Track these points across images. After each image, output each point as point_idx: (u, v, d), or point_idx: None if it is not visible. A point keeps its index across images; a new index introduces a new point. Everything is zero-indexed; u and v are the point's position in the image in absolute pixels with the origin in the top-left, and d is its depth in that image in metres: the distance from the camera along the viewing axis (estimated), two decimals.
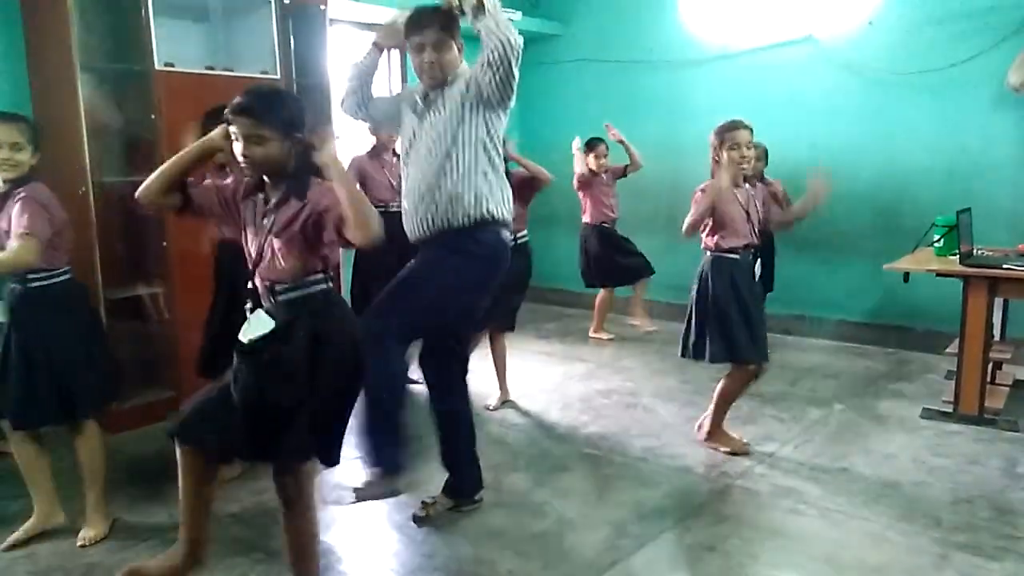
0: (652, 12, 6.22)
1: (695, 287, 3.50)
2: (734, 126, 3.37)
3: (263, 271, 2.21)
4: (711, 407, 3.64)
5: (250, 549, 2.80)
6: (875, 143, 5.33)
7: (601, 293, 5.76)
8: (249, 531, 2.93)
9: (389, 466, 2.75)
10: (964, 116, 4.99)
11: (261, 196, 2.24)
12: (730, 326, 3.40)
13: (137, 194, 2.20)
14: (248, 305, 2.21)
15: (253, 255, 2.22)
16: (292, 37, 4.53)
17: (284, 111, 2.16)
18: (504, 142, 3.06)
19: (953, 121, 5.04)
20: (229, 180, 2.35)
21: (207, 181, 2.38)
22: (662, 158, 5.88)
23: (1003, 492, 3.14)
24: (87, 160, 3.75)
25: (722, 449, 3.61)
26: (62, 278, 2.76)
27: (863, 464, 3.46)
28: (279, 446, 2.18)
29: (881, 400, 4.32)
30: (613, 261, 5.58)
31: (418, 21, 2.75)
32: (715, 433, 3.65)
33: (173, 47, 4.08)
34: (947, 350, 4.31)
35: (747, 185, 3.51)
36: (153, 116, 3.95)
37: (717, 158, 3.42)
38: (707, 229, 3.46)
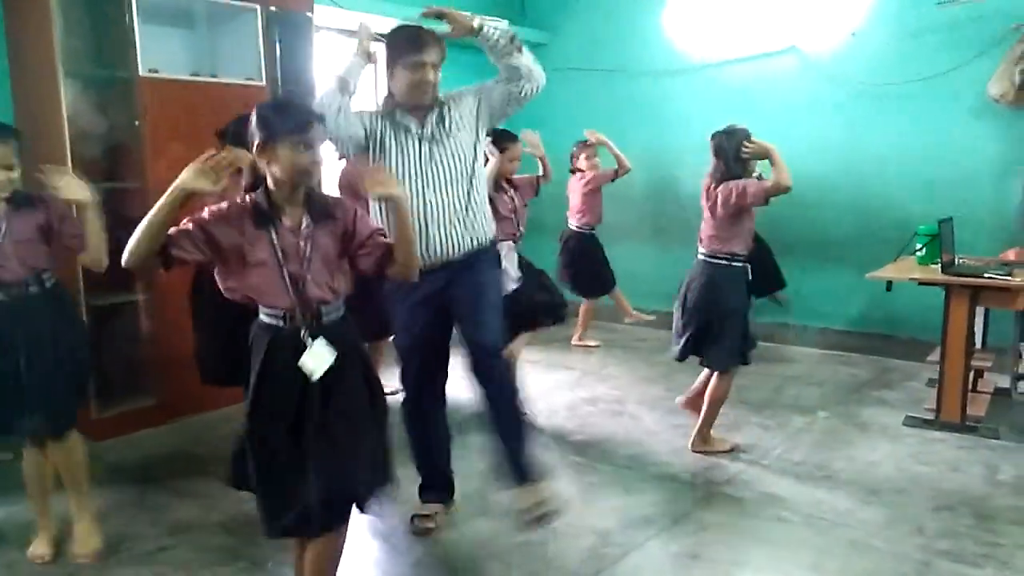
0: (639, 22, 6.25)
1: (701, 294, 3.48)
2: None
3: (310, 295, 2.05)
4: (703, 413, 3.66)
5: (234, 558, 2.78)
6: (858, 153, 5.38)
7: (585, 301, 5.77)
8: (233, 539, 2.91)
9: (538, 472, 2.84)
10: (946, 127, 5.05)
11: (283, 221, 2.03)
12: (741, 334, 3.49)
13: (124, 261, 1.95)
14: (301, 333, 2.03)
15: (288, 283, 2.02)
16: (278, 44, 4.52)
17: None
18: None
19: (935, 131, 5.09)
20: (218, 207, 2.04)
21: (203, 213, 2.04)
22: (648, 167, 5.90)
23: (985, 500, 3.17)
24: (70, 166, 3.71)
25: (718, 450, 3.66)
26: (53, 281, 2.73)
27: (847, 471, 3.48)
28: (358, 485, 2.09)
29: (864, 408, 4.35)
30: (606, 267, 5.61)
31: (419, 40, 2.72)
32: (708, 437, 3.69)
33: (158, 53, 4.07)
34: (929, 358, 4.35)
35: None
36: (137, 122, 3.93)
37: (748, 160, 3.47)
38: (719, 235, 3.46)
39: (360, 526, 3.03)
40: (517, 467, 2.81)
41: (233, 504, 3.16)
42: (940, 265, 3.95)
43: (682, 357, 3.62)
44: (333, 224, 2.09)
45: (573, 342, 5.80)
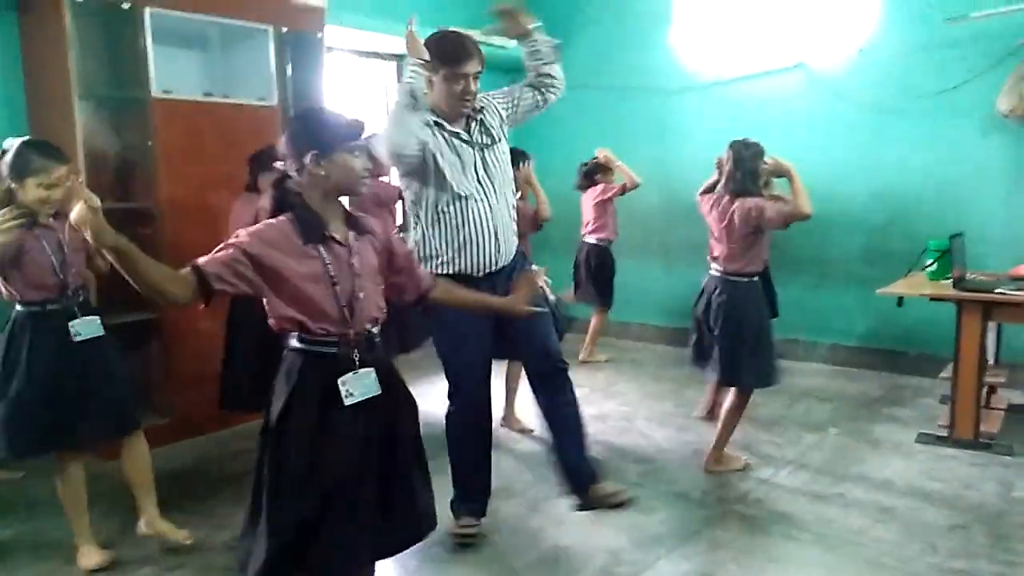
0: (646, 39, 6.28)
1: (729, 314, 3.46)
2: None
3: (364, 315, 1.97)
4: (718, 433, 3.65)
5: None
6: (867, 169, 5.38)
7: (597, 315, 5.76)
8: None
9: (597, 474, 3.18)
10: (955, 142, 5.04)
11: (332, 234, 1.94)
12: (772, 351, 3.51)
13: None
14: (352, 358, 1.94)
15: (335, 309, 1.91)
16: (289, 64, 4.57)
17: None
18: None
19: (944, 147, 5.08)
20: (256, 229, 1.91)
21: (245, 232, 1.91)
22: (655, 184, 5.91)
23: (1000, 517, 3.14)
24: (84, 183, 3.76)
25: (732, 468, 3.66)
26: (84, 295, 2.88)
27: (859, 489, 3.45)
28: (411, 516, 2.04)
29: (876, 424, 4.32)
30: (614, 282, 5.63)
31: (463, 50, 2.72)
32: (722, 457, 3.68)
33: (171, 74, 4.12)
34: (941, 375, 4.32)
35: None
36: (150, 143, 3.97)
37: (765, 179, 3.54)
38: (737, 254, 3.46)
39: None
40: (589, 469, 3.14)
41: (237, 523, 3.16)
42: (951, 280, 3.93)
43: (727, 381, 3.56)
44: (373, 239, 2.05)
45: (581, 358, 5.78)
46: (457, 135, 2.80)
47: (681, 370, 5.32)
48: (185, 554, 2.96)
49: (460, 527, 2.99)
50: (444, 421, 3.05)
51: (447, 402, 3.03)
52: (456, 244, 2.82)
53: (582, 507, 3.18)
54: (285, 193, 1.96)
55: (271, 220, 1.94)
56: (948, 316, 3.95)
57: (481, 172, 2.83)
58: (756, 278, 3.51)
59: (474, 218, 2.80)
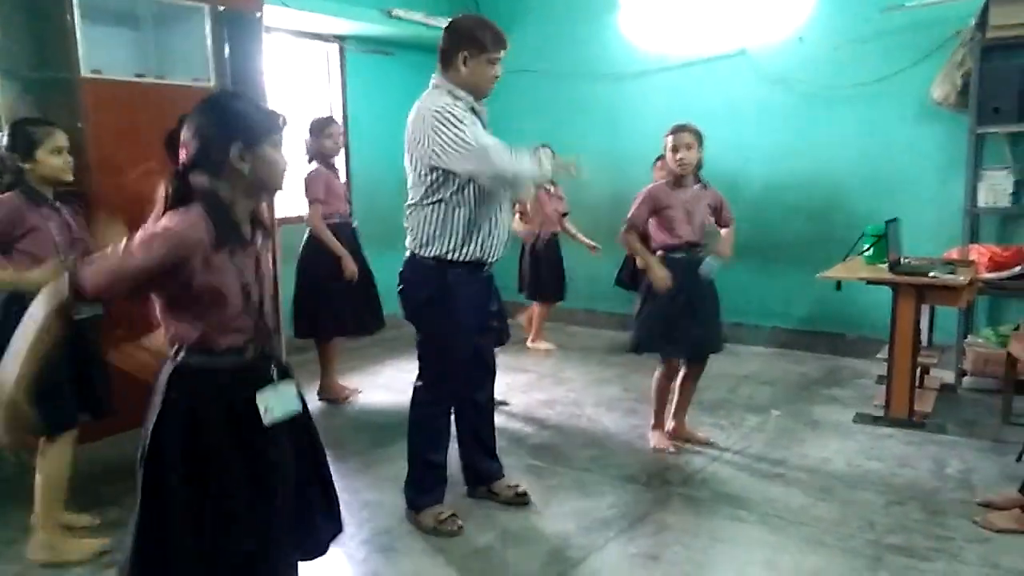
0: (592, 24, 6.28)
1: (646, 283, 3.60)
2: (674, 129, 3.52)
3: (267, 323, 1.84)
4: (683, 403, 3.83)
5: None
6: (806, 154, 5.48)
7: (544, 304, 5.76)
8: None
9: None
10: (890, 129, 5.17)
11: (242, 236, 1.78)
12: (661, 321, 3.54)
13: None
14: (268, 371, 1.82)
15: (252, 307, 1.78)
16: (226, 44, 4.43)
17: None
18: None
19: (880, 133, 5.21)
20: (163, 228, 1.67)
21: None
22: (603, 168, 5.91)
23: (934, 494, 3.24)
24: None
25: (651, 442, 3.78)
26: None
27: (800, 469, 3.53)
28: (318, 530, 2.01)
29: (816, 405, 4.43)
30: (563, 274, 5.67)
31: (500, 37, 2.80)
32: (655, 427, 3.81)
33: (101, 54, 3.94)
34: (877, 356, 4.44)
35: (696, 186, 3.57)
36: (80, 124, 3.81)
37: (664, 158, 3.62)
38: (653, 229, 3.58)
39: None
40: (498, 464, 3.27)
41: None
42: (887, 264, 4.03)
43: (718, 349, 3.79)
44: (270, 241, 1.94)
45: (529, 344, 5.79)
46: (483, 120, 2.85)
47: (627, 356, 5.38)
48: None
49: (442, 518, 2.97)
50: (413, 410, 3.03)
51: (423, 391, 3.00)
52: (485, 225, 2.82)
53: (487, 497, 3.23)
54: (189, 188, 1.71)
55: (180, 218, 1.67)
56: (884, 299, 4.06)
57: None
58: (676, 253, 3.58)
59: (497, 199, 2.83)
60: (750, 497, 3.24)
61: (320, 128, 4.40)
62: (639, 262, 3.72)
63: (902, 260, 4.16)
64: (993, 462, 3.54)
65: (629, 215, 3.59)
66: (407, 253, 2.92)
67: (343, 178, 5.04)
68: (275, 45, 5.44)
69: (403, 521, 3.06)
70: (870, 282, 4.09)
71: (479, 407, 3.19)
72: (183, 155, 1.74)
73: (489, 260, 2.89)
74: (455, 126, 2.64)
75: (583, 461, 3.68)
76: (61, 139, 2.81)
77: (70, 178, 2.87)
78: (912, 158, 5.11)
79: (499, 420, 4.15)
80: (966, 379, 4.64)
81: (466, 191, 2.77)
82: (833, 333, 5.49)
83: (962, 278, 3.81)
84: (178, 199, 1.72)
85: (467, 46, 2.74)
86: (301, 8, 5.16)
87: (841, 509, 3.12)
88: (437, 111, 2.67)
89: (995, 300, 4.89)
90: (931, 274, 3.87)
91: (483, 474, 3.25)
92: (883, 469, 3.51)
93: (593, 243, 5.56)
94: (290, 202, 5.00)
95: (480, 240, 2.82)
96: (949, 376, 4.69)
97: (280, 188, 1.84)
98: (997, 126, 4.53)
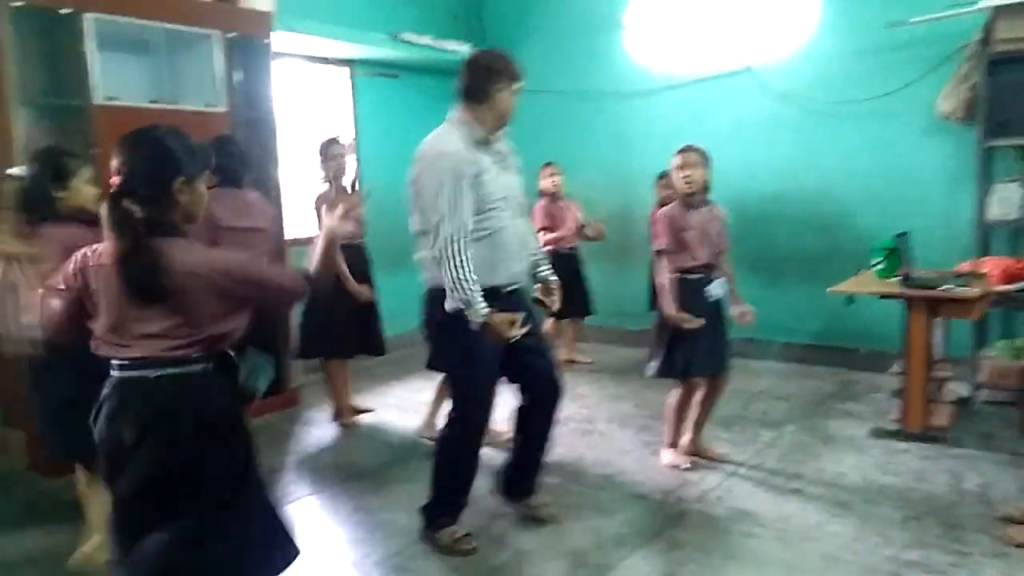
0: (598, 44, 6.33)
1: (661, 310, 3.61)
2: (681, 150, 3.54)
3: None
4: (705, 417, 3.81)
5: None
6: (813, 170, 5.48)
7: (567, 320, 5.74)
8: None
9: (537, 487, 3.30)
10: (898, 143, 5.17)
11: None
12: (682, 345, 3.52)
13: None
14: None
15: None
16: (236, 71, 4.50)
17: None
18: None
19: (887, 148, 5.21)
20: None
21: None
22: (609, 187, 5.95)
23: (951, 508, 3.21)
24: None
25: (664, 459, 3.76)
26: None
27: (815, 485, 3.51)
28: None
29: (830, 420, 4.40)
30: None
31: (518, 68, 2.87)
32: (674, 446, 3.78)
33: (115, 81, 4.01)
34: (891, 370, 4.42)
35: (706, 208, 3.60)
36: (93, 151, 3.86)
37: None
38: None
39: (330, 556, 2.97)
40: (534, 483, 3.22)
41: None
42: (899, 278, 4.02)
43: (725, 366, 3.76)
44: None
45: (565, 358, 5.74)
46: (499, 152, 2.89)
47: (640, 372, 5.36)
48: None
49: (457, 537, 2.97)
50: (442, 438, 3.03)
51: (453, 425, 2.97)
52: (490, 257, 2.80)
53: (515, 509, 3.25)
54: (127, 218, 1.82)
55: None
56: (897, 313, 4.04)
57: (514, 189, 2.93)
58: (690, 275, 3.58)
59: (505, 229, 2.84)
60: (765, 513, 3.22)
61: (324, 150, 4.43)
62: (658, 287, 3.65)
63: (914, 273, 4.14)
64: (1011, 476, 3.51)
65: (657, 241, 3.58)
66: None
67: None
68: (285, 70, 5.51)
69: (416, 542, 3.05)
70: (882, 296, 4.07)
71: (536, 422, 3.13)
72: (114, 182, 1.85)
73: (503, 288, 2.86)
74: (439, 196, 2.68)
75: (596, 478, 3.66)
76: (90, 171, 2.89)
77: (97, 210, 2.88)
78: (920, 172, 5.11)
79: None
80: (982, 392, 4.60)
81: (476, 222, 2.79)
82: (846, 348, 5.46)
83: (974, 290, 3.79)
84: (114, 222, 1.82)
85: (497, 79, 2.80)
86: (310, 33, 5.23)
87: (858, 525, 3.09)
88: (436, 158, 2.74)
89: (1009, 312, 4.85)
90: (943, 287, 3.86)
91: (515, 490, 3.22)
92: (900, 484, 3.48)
93: (595, 225, 5.50)
94: (299, 224, 5.04)
95: (489, 268, 2.79)
96: (965, 389, 4.65)
97: (197, 221, 1.96)
98: (1006, 139, 4.52)
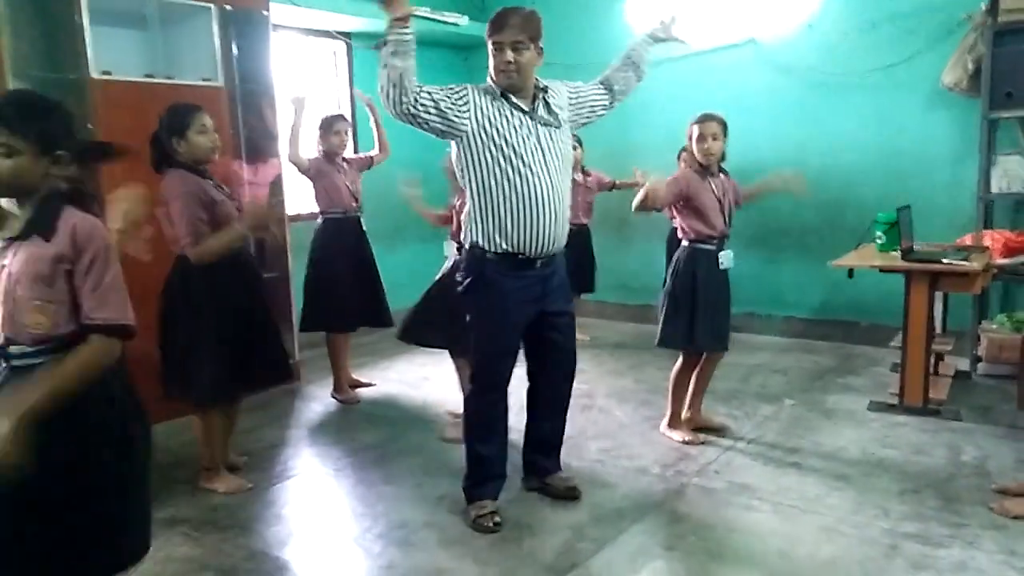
0: (599, 16, 6.26)
1: (671, 276, 3.62)
2: (700, 119, 3.52)
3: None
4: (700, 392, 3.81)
5: (201, 568, 2.73)
6: (816, 142, 5.45)
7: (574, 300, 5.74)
8: (200, 549, 2.86)
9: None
10: (901, 115, 5.13)
11: None
12: (687, 317, 3.53)
13: None
14: None
15: None
16: (234, 44, 4.45)
17: (44, 122, 1.78)
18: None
19: (891, 120, 5.17)
20: None
21: None
22: (612, 160, 5.90)
23: (949, 481, 3.23)
24: None
25: (675, 438, 3.73)
26: None
27: (814, 458, 3.52)
28: None
29: (830, 394, 4.41)
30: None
31: (501, 19, 2.80)
32: (673, 421, 3.78)
33: (110, 55, 3.97)
34: (891, 343, 4.42)
35: (722, 176, 3.58)
36: (89, 126, 3.84)
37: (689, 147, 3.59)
38: (682, 218, 3.58)
39: (331, 531, 3.00)
40: (557, 459, 3.26)
41: (200, 512, 3.11)
42: (900, 252, 4.01)
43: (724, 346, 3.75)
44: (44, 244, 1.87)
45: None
46: (519, 107, 2.82)
47: (639, 347, 5.38)
48: None
49: (481, 513, 2.96)
50: (466, 408, 3.05)
51: (472, 382, 3.00)
52: (515, 218, 2.77)
53: (539, 490, 3.22)
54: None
55: None
56: (897, 287, 4.03)
57: (541, 149, 2.83)
58: (707, 245, 3.57)
59: (532, 192, 2.77)
60: (764, 487, 3.23)
61: (328, 125, 4.41)
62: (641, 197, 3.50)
63: (915, 247, 4.13)
64: (1009, 449, 3.52)
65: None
66: None
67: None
68: (282, 43, 5.46)
69: (420, 514, 3.08)
70: (883, 270, 4.06)
71: (547, 400, 3.17)
72: None
73: (531, 254, 2.82)
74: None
75: (596, 452, 3.68)
76: (206, 119, 3.07)
77: (216, 156, 3.12)
78: (924, 144, 5.07)
79: (511, 414, 4.18)
80: (981, 366, 4.61)
81: (479, 176, 2.78)
82: (846, 321, 5.46)
83: (976, 264, 3.78)
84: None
85: (488, 37, 2.83)
86: (308, 6, 5.17)
87: (856, 497, 3.11)
88: None
89: (1009, 286, 4.85)
90: (944, 260, 3.85)
91: (539, 468, 3.24)
92: (898, 457, 3.50)
93: (633, 180, 5.29)
94: (299, 199, 5.02)
95: (514, 231, 2.78)
96: (964, 363, 4.66)
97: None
98: (1010, 111, 4.48)
